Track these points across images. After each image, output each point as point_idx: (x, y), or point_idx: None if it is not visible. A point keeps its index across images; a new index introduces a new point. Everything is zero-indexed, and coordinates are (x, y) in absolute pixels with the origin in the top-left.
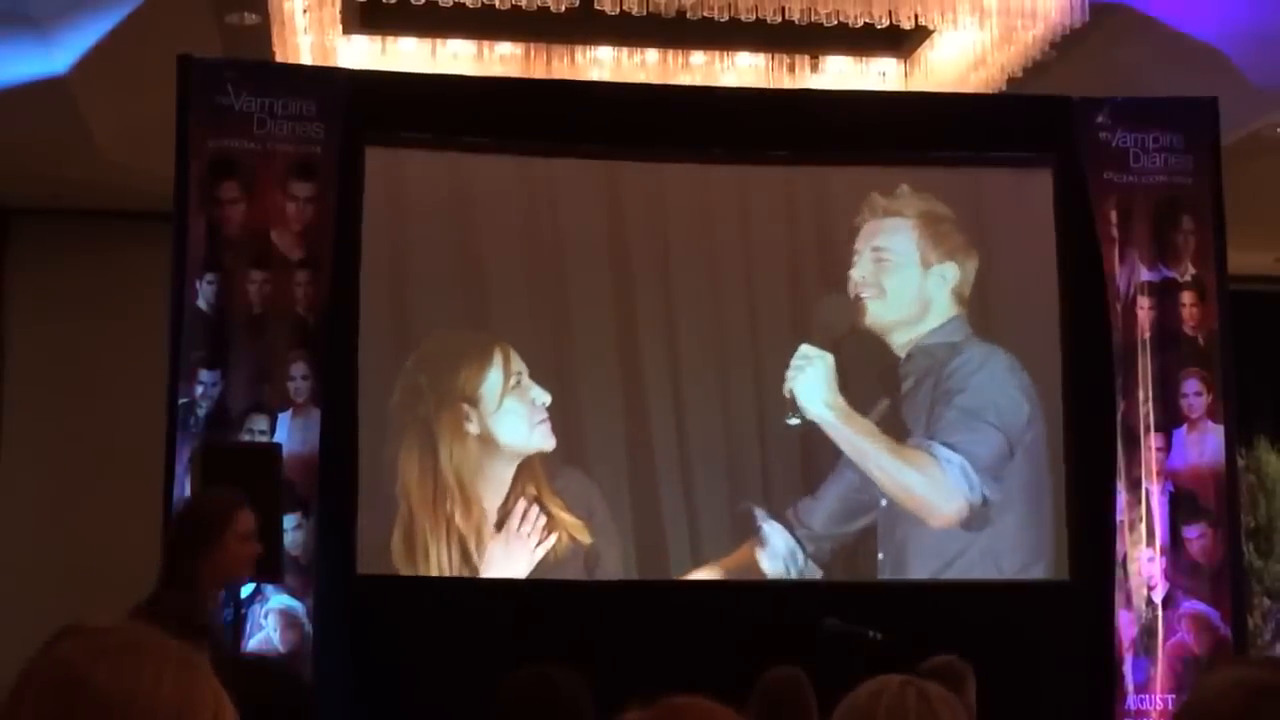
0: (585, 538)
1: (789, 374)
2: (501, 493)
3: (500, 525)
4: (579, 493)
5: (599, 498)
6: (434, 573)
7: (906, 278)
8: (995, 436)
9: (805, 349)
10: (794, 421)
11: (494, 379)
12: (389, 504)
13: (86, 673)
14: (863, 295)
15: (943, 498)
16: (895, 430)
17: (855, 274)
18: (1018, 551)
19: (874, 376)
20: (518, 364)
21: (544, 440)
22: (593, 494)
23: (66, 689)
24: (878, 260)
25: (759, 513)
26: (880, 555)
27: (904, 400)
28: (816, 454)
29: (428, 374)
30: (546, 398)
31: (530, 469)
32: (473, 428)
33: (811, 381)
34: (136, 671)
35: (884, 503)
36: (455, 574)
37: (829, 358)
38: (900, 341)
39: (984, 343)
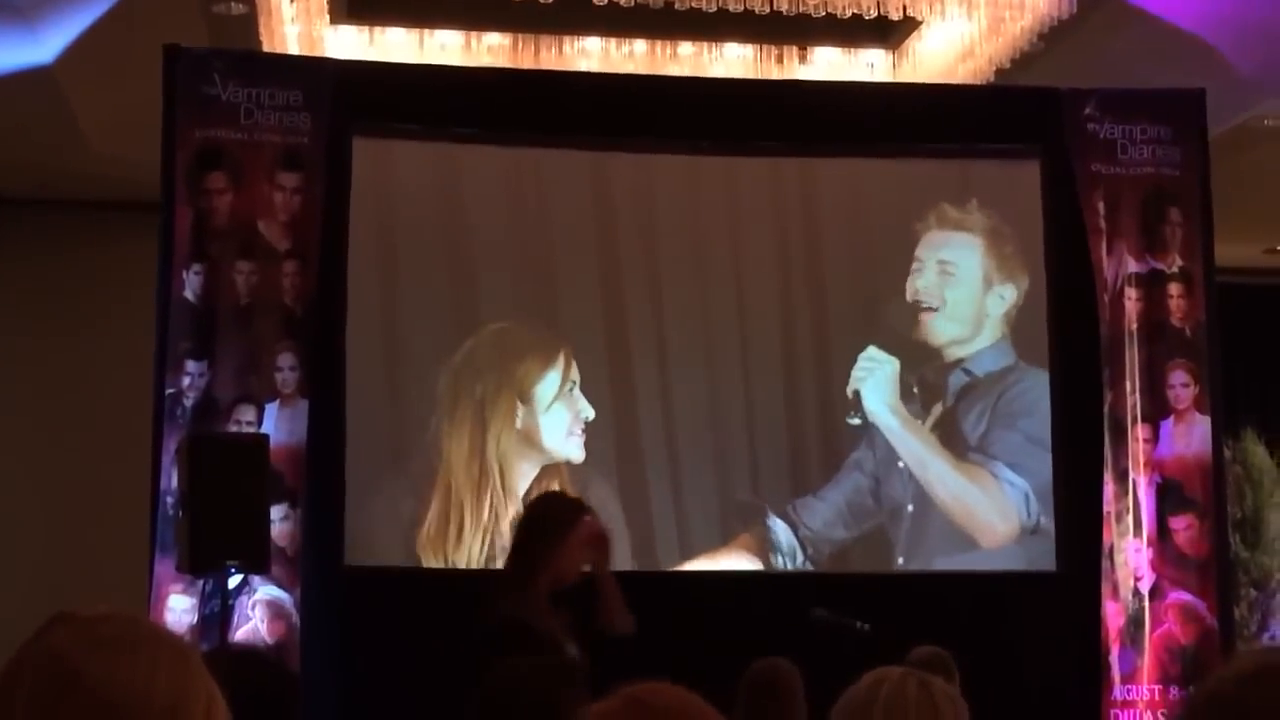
0: None
1: (856, 374)
2: (523, 488)
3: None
4: (599, 504)
5: (618, 511)
6: (463, 557)
7: (968, 294)
8: (1035, 453)
9: (873, 351)
10: (855, 421)
11: (551, 380)
12: (419, 482)
13: (81, 664)
14: (923, 305)
15: (1000, 518)
16: (947, 443)
17: (918, 283)
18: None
19: (926, 387)
20: (575, 373)
21: (576, 451)
22: (613, 508)
23: (61, 680)
24: (942, 273)
25: (765, 509)
26: (900, 560)
27: (963, 418)
28: (805, 451)
29: (491, 356)
30: (591, 412)
31: (556, 473)
32: (519, 422)
33: (879, 384)
34: (132, 663)
35: (910, 508)
36: (481, 561)
37: (895, 363)
38: (951, 356)
39: (1031, 367)
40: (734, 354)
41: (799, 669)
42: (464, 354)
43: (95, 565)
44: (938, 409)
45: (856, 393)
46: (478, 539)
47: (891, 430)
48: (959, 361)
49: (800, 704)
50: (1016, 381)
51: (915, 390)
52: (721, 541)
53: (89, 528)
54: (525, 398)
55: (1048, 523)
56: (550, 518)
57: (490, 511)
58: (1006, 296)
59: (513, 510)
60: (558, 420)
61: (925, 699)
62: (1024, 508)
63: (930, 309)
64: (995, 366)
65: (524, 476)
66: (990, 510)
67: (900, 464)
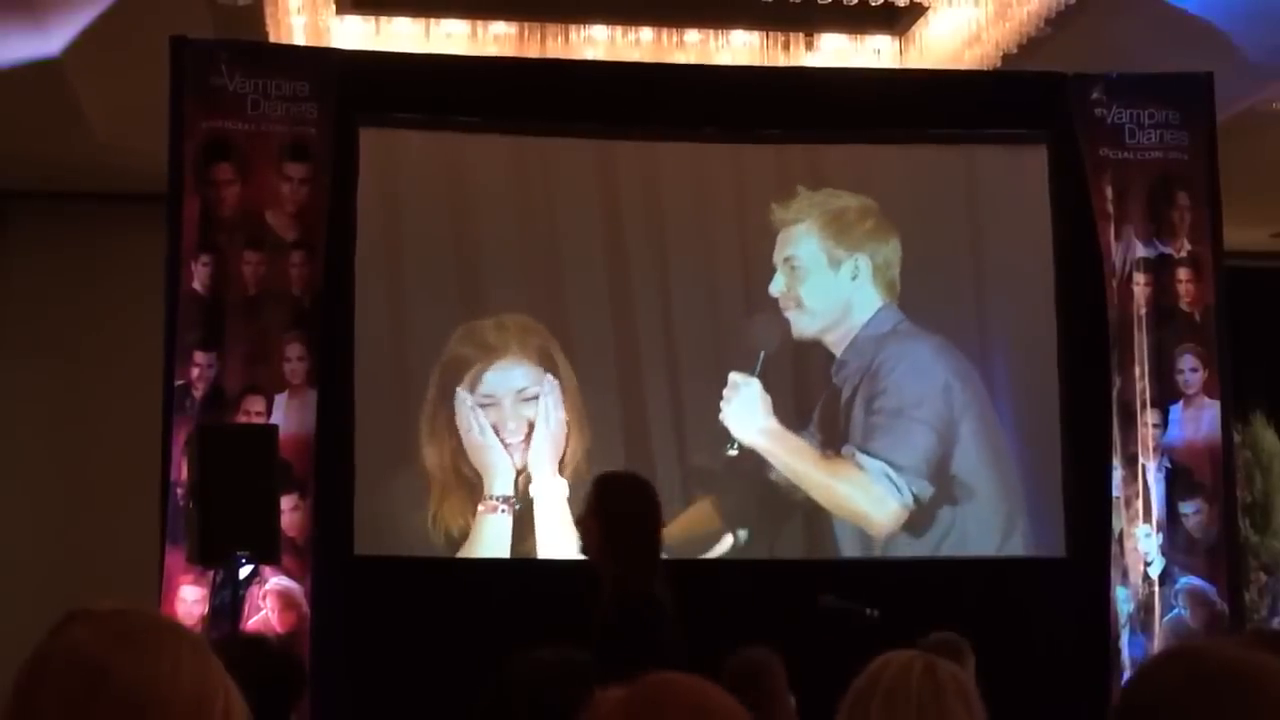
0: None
1: (721, 405)
2: (509, 481)
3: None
4: None
5: None
6: (463, 549)
7: (818, 283)
8: (921, 432)
9: (733, 377)
10: (733, 452)
11: (516, 378)
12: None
13: (109, 660)
14: (785, 309)
15: (875, 506)
16: (836, 439)
17: (773, 289)
18: (987, 531)
19: (813, 386)
20: (550, 384)
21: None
22: None
23: (88, 676)
24: (790, 270)
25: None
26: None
27: (843, 406)
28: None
29: (462, 353)
30: (560, 414)
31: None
32: (485, 417)
33: (740, 410)
34: (156, 657)
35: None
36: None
37: (755, 383)
38: (835, 343)
39: (911, 332)
40: (741, 339)
41: (805, 654)
42: (445, 352)
43: (106, 557)
44: (829, 405)
45: (724, 422)
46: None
47: (766, 451)
48: (843, 344)
49: (783, 691)
50: (878, 355)
51: (792, 397)
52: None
53: (99, 519)
54: (485, 391)
55: (925, 491)
56: (649, 498)
57: (464, 503)
58: (861, 266)
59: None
60: (518, 421)
61: (927, 684)
62: (890, 487)
63: (792, 308)
64: (875, 335)
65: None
66: (865, 501)
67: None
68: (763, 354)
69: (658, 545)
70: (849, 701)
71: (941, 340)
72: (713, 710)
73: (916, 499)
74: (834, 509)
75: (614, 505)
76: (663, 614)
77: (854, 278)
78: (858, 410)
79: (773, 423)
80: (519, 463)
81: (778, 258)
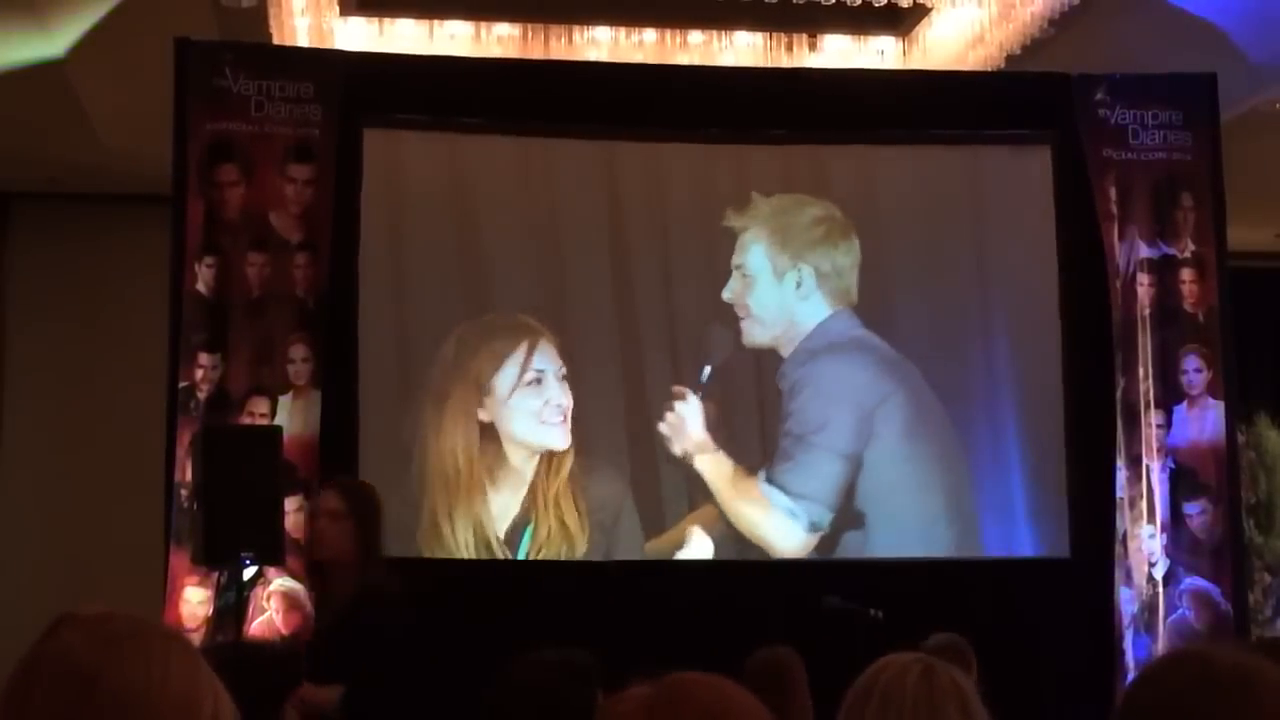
0: (579, 547)
1: (665, 415)
2: (519, 484)
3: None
4: (603, 495)
5: (624, 498)
6: (459, 549)
7: (764, 291)
8: (824, 460)
9: (674, 390)
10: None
11: (509, 372)
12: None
13: (97, 664)
14: (738, 316)
15: (778, 535)
16: (759, 459)
17: (726, 294)
18: (914, 538)
19: (764, 397)
20: (542, 361)
21: (555, 439)
22: (616, 496)
23: (79, 681)
24: (742, 278)
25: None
26: None
27: (767, 424)
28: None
29: (454, 355)
30: (566, 399)
31: (553, 465)
32: (484, 415)
33: (677, 425)
34: (145, 662)
35: None
36: (474, 552)
37: (693, 400)
38: (781, 354)
39: (853, 344)
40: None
41: (809, 656)
42: (441, 356)
43: (110, 558)
44: (760, 421)
45: (663, 435)
46: (469, 532)
47: (697, 468)
48: (791, 355)
49: (803, 691)
50: (799, 380)
51: (735, 409)
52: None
53: (104, 520)
54: (485, 390)
55: (823, 517)
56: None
57: (472, 506)
58: (805, 276)
59: (497, 502)
60: (523, 409)
61: (923, 688)
62: (788, 515)
63: (742, 317)
64: (811, 349)
65: (511, 470)
66: (768, 529)
67: None
68: (708, 368)
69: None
70: (846, 704)
71: (887, 350)
72: (734, 710)
73: (815, 526)
74: (745, 533)
75: (366, 509)
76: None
77: (798, 287)
78: (776, 430)
79: (704, 438)
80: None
81: (733, 264)
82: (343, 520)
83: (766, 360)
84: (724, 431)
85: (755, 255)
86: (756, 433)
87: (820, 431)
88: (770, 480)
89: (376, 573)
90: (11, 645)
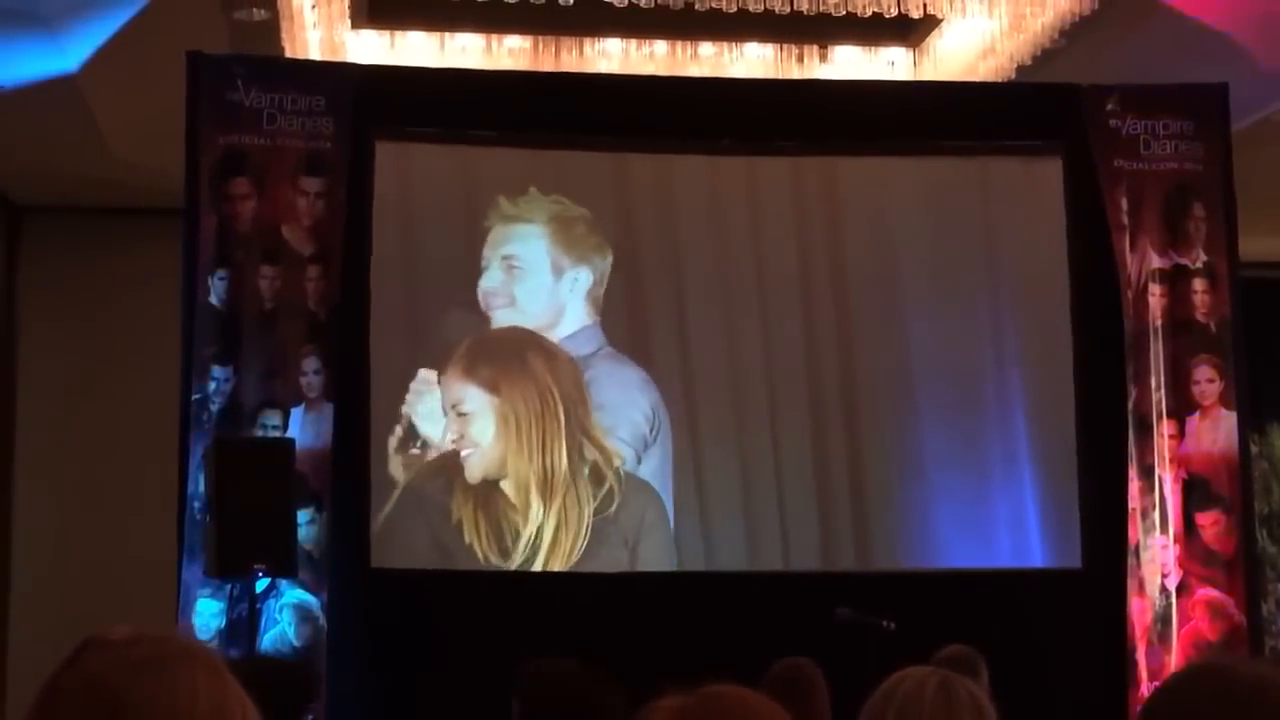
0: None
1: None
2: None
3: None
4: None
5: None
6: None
7: (537, 285)
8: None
9: (423, 374)
10: (415, 451)
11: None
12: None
13: (123, 689)
14: (493, 306)
15: None
16: None
17: (484, 284)
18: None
19: None
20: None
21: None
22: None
23: (104, 707)
24: (509, 269)
25: None
26: None
27: None
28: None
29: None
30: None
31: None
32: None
33: (426, 411)
34: (172, 684)
35: None
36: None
37: (437, 390)
38: None
39: (618, 354)
40: (757, 351)
41: (823, 668)
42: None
43: (123, 571)
44: None
45: (409, 421)
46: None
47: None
48: None
49: (824, 704)
50: (595, 378)
51: None
52: (742, 551)
53: (116, 533)
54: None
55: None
56: None
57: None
58: (581, 279)
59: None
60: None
61: (941, 701)
62: None
63: (500, 307)
64: (581, 355)
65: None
66: None
67: None
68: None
69: None
70: (864, 717)
71: (641, 371)
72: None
73: None
74: None
75: None
76: None
77: (572, 289)
78: None
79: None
80: None
81: (492, 254)
82: None
83: None
84: None
85: (536, 247)
86: None
87: None
88: None
89: None
90: (26, 656)
